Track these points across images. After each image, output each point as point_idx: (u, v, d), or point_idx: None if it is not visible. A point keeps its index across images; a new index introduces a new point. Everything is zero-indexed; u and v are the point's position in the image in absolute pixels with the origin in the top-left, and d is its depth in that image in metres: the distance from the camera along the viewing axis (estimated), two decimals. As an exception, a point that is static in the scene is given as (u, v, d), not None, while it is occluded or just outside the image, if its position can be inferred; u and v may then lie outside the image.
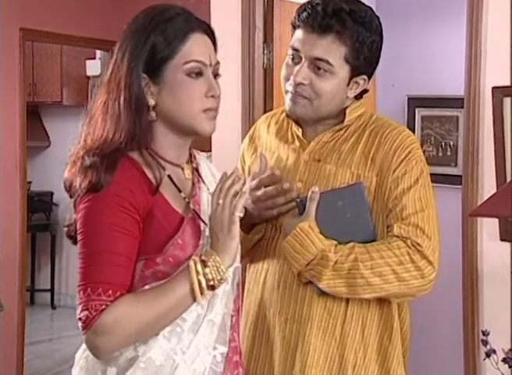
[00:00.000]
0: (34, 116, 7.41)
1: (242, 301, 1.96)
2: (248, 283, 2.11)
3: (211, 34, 1.78)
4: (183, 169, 1.81)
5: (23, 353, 4.79)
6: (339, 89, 1.99)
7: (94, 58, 6.77)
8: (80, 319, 1.61)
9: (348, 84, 2.00)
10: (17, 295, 4.71)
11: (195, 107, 1.73)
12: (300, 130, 2.07)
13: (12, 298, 4.61)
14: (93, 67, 6.71)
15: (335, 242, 1.92)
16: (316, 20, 1.94)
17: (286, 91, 2.02)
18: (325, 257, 1.89)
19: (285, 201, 2.00)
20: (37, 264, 7.70)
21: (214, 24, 1.81)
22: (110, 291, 1.60)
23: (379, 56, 2.04)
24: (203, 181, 1.85)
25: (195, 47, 1.72)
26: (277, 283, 2.02)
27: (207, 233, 1.74)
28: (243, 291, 2.00)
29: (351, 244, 1.91)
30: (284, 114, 2.14)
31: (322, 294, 1.95)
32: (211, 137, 3.43)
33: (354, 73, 1.99)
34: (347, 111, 2.03)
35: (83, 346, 1.72)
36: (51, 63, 7.21)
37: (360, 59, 1.97)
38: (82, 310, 1.61)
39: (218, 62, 1.77)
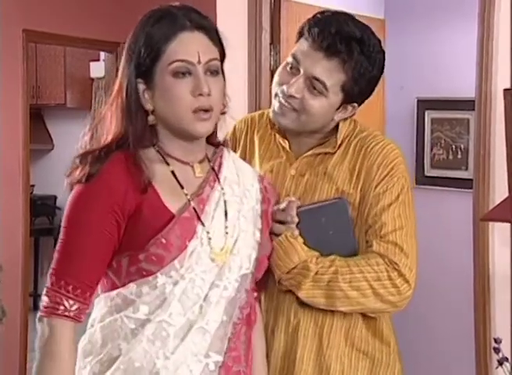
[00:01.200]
0: (37, 119, 7.39)
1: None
2: None
3: (210, 30, 1.73)
4: (192, 166, 1.77)
5: (25, 359, 4.77)
6: (327, 111, 1.99)
7: (98, 60, 6.75)
8: (41, 300, 1.66)
9: (337, 109, 2.00)
10: (20, 301, 4.70)
11: (182, 108, 1.69)
12: (287, 142, 2.07)
13: (15, 303, 4.60)
14: (97, 69, 6.71)
15: (317, 253, 1.94)
16: (326, 41, 1.92)
17: (276, 95, 2.00)
18: (306, 267, 1.91)
19: None
20: (40, 269, 7.66)
21: (220, 25, 1.78)
22: (70, 287, 1.63)
23: (374, 90, 2.04)
24: (219, 181, 1.80)
25: (180, 46, 1.69)
26: (271, 297, 2.02)
27: (203, 234, 1.71)
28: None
29: (332, 256, 1.93)
30: (266, 121, 2.12)
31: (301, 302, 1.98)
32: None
33: (346, 100, 1.99)
34: (338, 135, 2.02)
35: (82, 339, 1.75)
36: (55, 65, 7.20)
37: (355, 90, 1.97)
38: (44, 294, 1.66)
39: (212, 59, 1.71)
